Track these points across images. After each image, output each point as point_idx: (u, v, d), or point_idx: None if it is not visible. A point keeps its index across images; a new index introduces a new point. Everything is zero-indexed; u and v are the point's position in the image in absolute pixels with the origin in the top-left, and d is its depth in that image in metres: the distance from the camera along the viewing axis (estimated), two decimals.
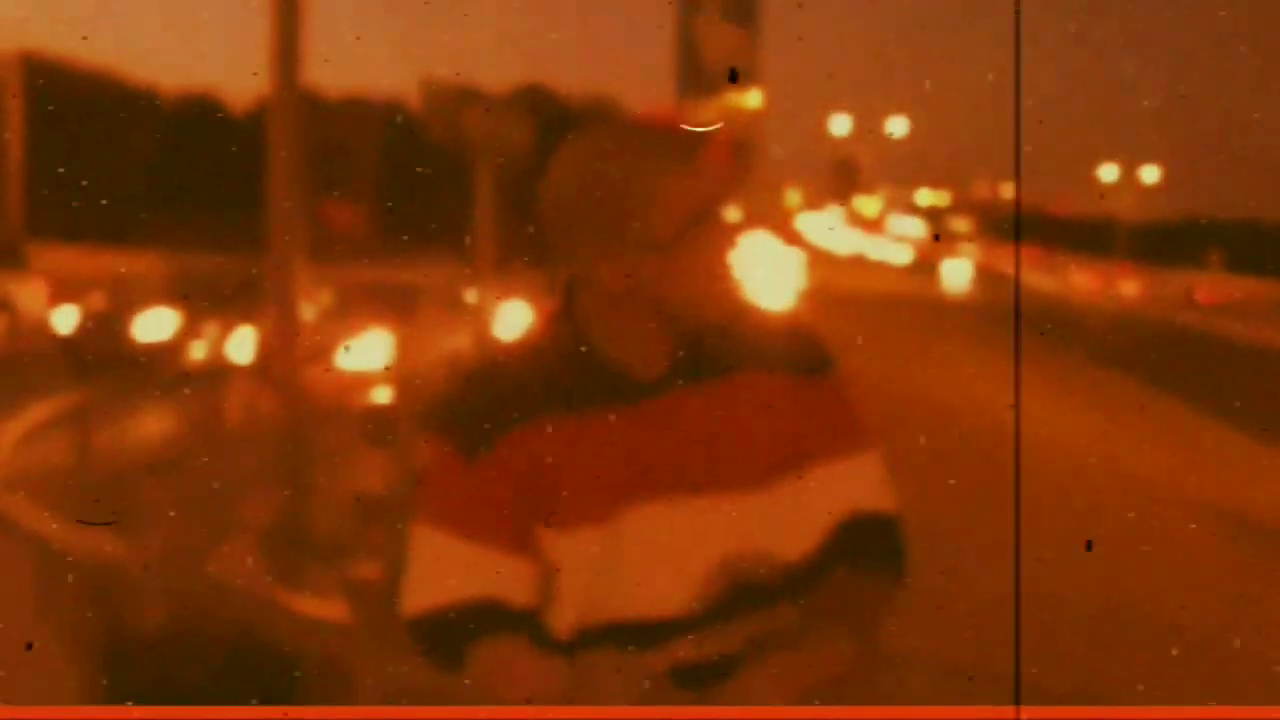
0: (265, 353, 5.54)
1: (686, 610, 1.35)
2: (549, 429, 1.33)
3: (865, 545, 1.38)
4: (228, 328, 12.29)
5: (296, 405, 5.12)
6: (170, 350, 12.73)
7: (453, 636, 1.29)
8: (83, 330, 13.40)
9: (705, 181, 1.35)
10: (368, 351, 11.33)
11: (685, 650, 1.35)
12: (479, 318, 10.54)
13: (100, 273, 16.79)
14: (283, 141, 4.53)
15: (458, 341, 10.98)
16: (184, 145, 41.29)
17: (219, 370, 10.68)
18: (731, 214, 1.39)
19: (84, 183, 39.71)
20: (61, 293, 14.74)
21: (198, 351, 12.62)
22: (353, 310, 12.63)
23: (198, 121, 44.02)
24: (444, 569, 1.31)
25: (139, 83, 48.57)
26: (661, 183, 1.33)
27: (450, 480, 1.32)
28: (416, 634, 1.32)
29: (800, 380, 1.41)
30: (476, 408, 1.34)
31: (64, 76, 43.57)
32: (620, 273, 1.33)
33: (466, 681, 1.29)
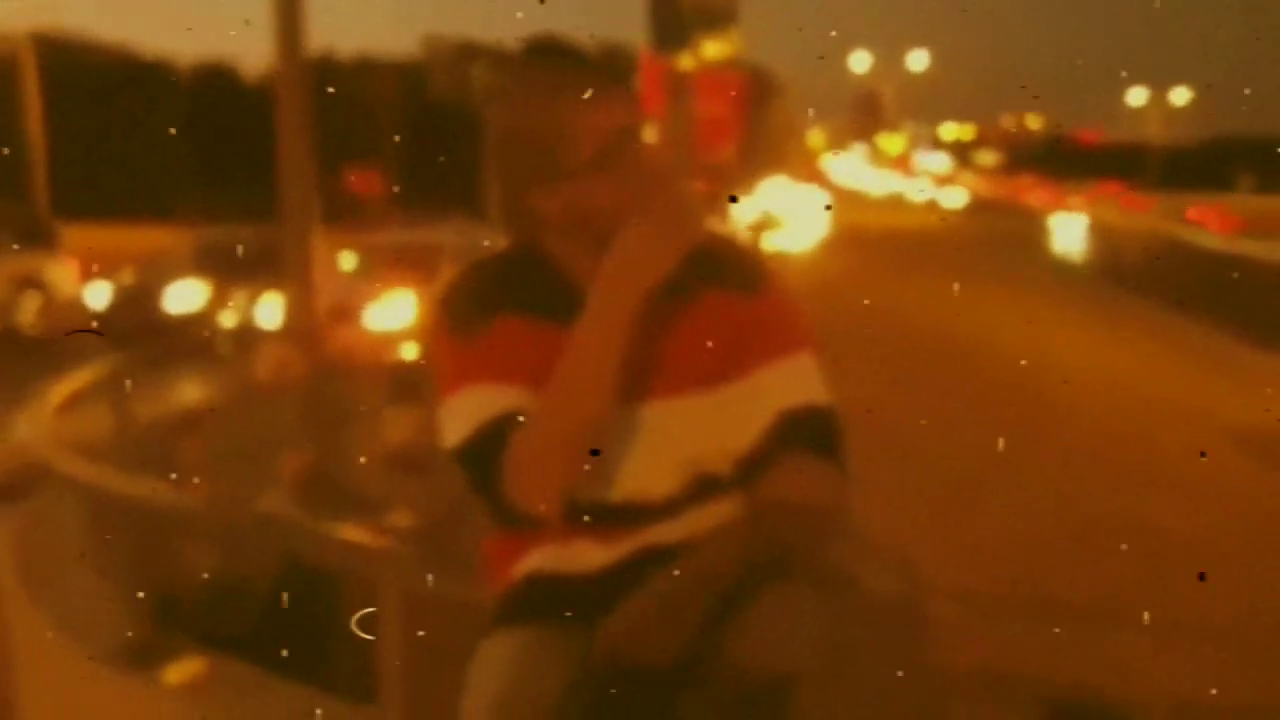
0: (292, 316, 5.71)
1: (654, 497, 1.54)
2: (529, 324, 1.53)
3: (803, 433, 1.54)
4: (255, 294, 12.54)
5: (323, 364, 5.31)
6: (200, 318, 12.98)
7: (488, 447, 1.48)
8: (114, 305, 13.68)
9: (612, 106, 1.49)
10: (394, 310, 11.59)
11: (654, 532, 1.54)
12: None
13: (129, 248, 17.07)
14: (290, 108, 4.69)
15: None
16: (203, 117, 41.40)
17: (248, 334, 10.94)
18: (649, 133, 1.54)
19: (107, 161, 39.96)
20: (91, 269, 14.99)
21: (227, 319, 12.88)
22: (377, 272, 12.86)
23: (215, 93, 44.10)
24: (464, 407, 1.51)
25: (155, 56, 48.60)
26: (568, 110, 1.47)
27: (456, 352, 1.54)
28: (459, 460, 1.53)
29: (744, 293, 1.57)
30: (467, 305, 1.56)
31: (80, 54, 43.70)
32: (555, 200, 1.51)
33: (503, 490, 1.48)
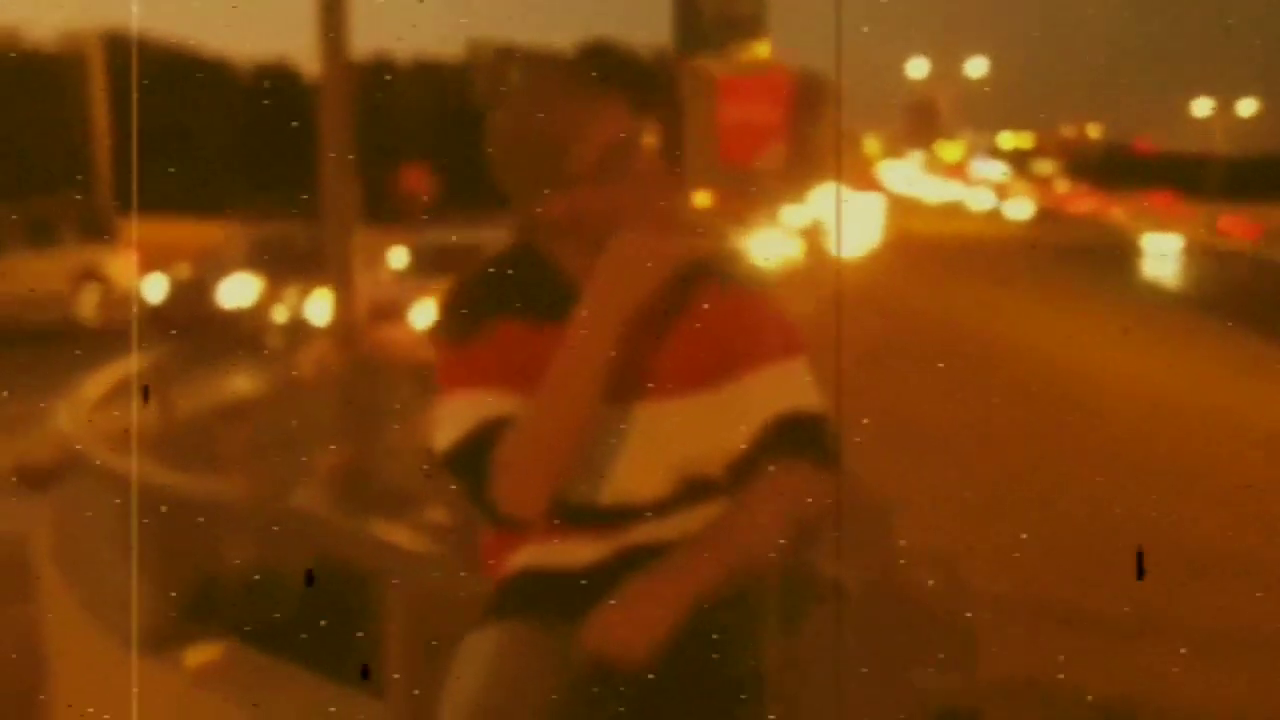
0: (340, 314, 5.79)
1: (645, 498, 1.56)
2: (528, 327, 1.55)
3: (795, 440, 1.55)
4: (306, 290, 12.71)
5: (363, 361, 5.38)
6: (252, 313, 13.19)
7: (476, 452, 1.50)
8: (171, 298, 13.93)
9: (614, 110, 1.51)
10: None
11: (643, 533, 1.56)
12: None
13: (190, 242, 17.39)
14: (332, 107, 4.77)
15: None
16: (261, 115, 42.06)
17: (299, 330, 11.12)
18: (651, 138, 1.55)
19: (170, 156, 40.70)
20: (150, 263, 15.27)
21: (279, 314, 13.07)
22: (422, 270, 12.97)
23: (274, 91, 44.82)
24: (456, 411, 1.53)
25: (216, 55, 49.49)
26: (570, 115, 1.50)
27: (452, 356, 1.56)
28: (448, 463, 1.55)
29: (736, 296, 1.59)
30: (463, 310, 1.58)
31: (146, 52, 44.54)
32: (557, 206, 1.53)
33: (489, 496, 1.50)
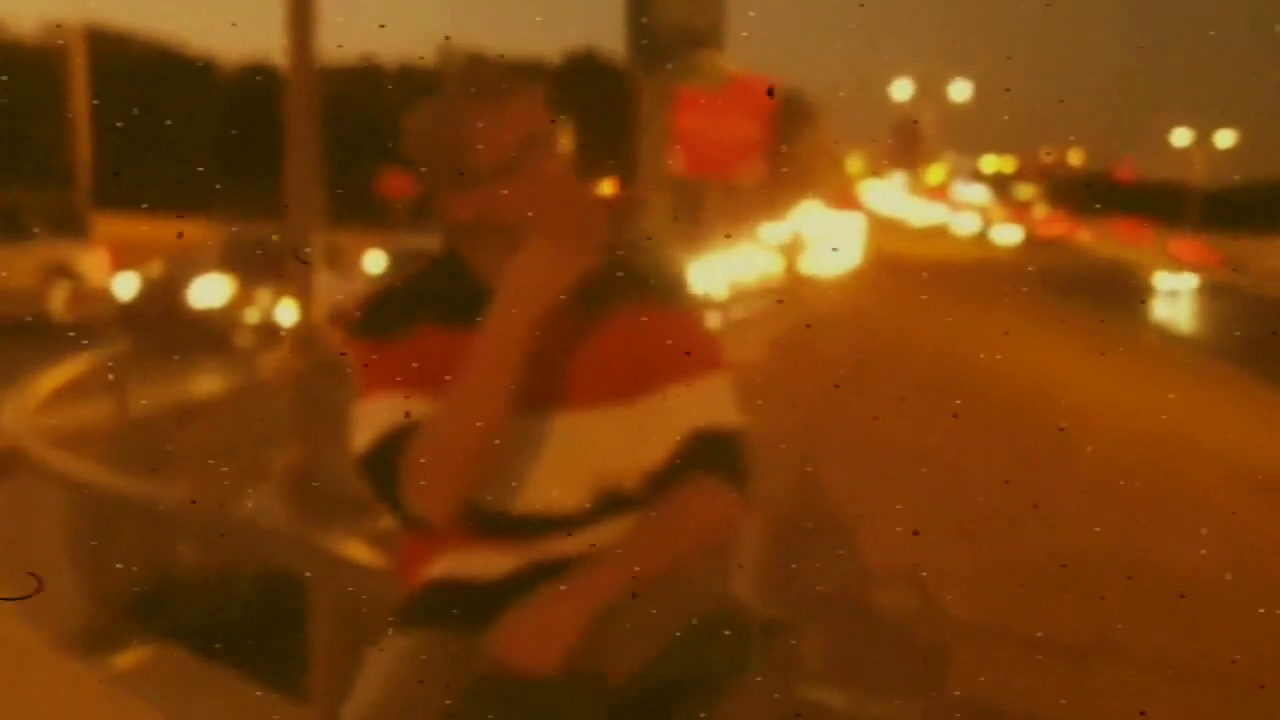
0: (302, 316, 5.74)
1: (560, 509, 1.54)
2: (445, 332, 1.53)
3: (709, 455, 1.53)
4: (279, 293, 12.64)
5: (322, 364, 5.34)
6: (222, 313, 13.09)
7: (388, 455, 1.48)
8: (140, 296, 13.82)
9: (523, 113, 1.49)
10: None
11: (557, 544, 1.53)
12: None
13: (165, 241, 17.27)
14: (297, 109, 4.74)
15: None
16: (243, 115, 41.92)
17: (268, 332, 11.04)
18: (564, 141, 1.53)
19: (149, 154, 40.49)
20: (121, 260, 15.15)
21: (250, 315, 12.98)
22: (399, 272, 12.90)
23: (257, 91, 44.73)
24: (370, 415, 1.52)
25: (201, 53, 49.28)
26: (477, 117, 1.48)
27: (369, 361, 1.54)
28: (361, 466, 1.53)
29: (658, 308, 1.57)
30: (383, 315, 1.57)
31: (129, 48, 44.35)
32: (465, 207, 1.50)
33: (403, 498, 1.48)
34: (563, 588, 1.43)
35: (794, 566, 6.25)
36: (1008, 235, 59.19)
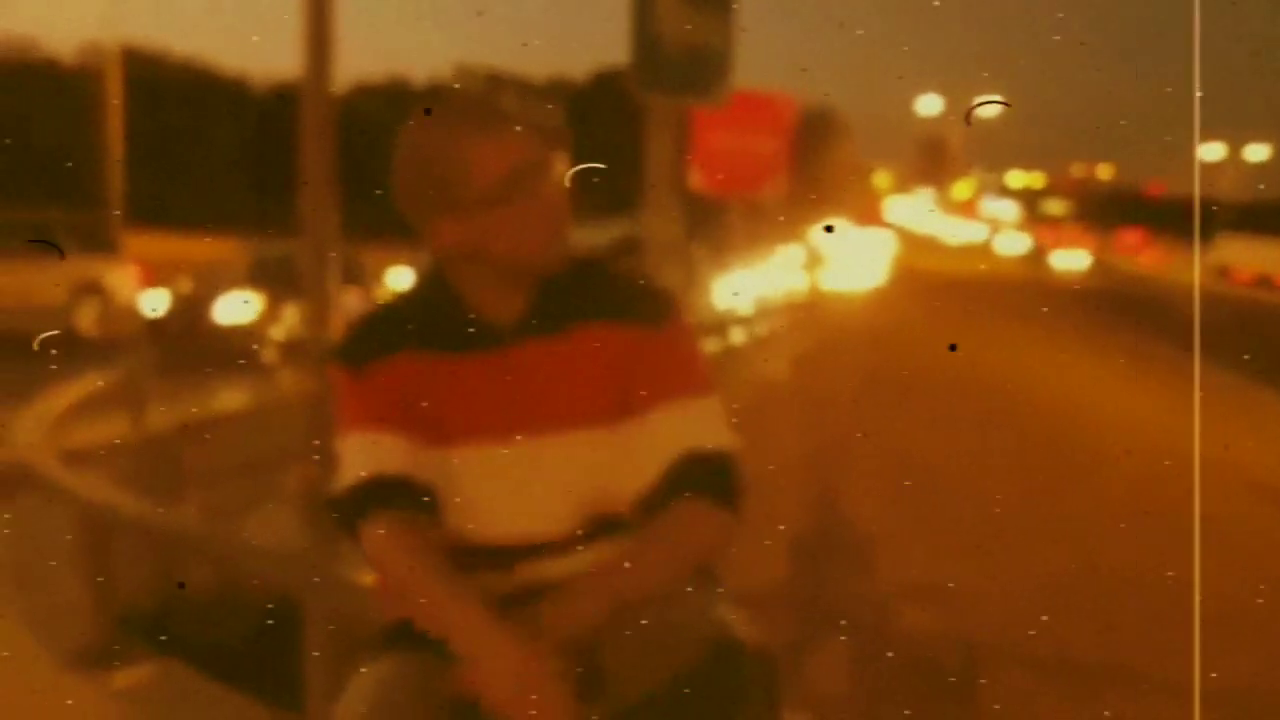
0: (317, 332, 5.75)
1: (549, 533, 1.52)
2: (430, 358, 1.52)
3: (699, 477, 1.50)
4: (300, 309, 12.70)
5: None
6: (249, 330, 13.20)
7: (357, 505, 1.48)
8: (169, 312, 13.97)
9: (518, 141, 1.48)
10: None
11: (546, 569, 1.52)
12: None
13: (196, 258, 17.45)
14: (312, 124, 4.77)
15: None
16: (274, 134, 42.33)
17: (295, 348, 11.10)
18: (559, 169, 1.51)
19: (182, 172, 40.94)
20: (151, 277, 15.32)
21: (276, 332, 13.08)
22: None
23: (289, 110, 45.23)
24: (348, 456, 1.51)
25: (233, 73, 49.87)
26: (472, 145, 1.46)
27: (351, 391, 1.53)
28: (332, 505, 1.53)
29: (643, 329, 1.55)
30: (367, 343, 1.54)
31: (163, 69, 44.93)
32: (453, 233, 1.49)
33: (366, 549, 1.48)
34: (549, 610, 1.41)
35: (814, 585, 6.22)
36: (1020, 246, 58.93)
